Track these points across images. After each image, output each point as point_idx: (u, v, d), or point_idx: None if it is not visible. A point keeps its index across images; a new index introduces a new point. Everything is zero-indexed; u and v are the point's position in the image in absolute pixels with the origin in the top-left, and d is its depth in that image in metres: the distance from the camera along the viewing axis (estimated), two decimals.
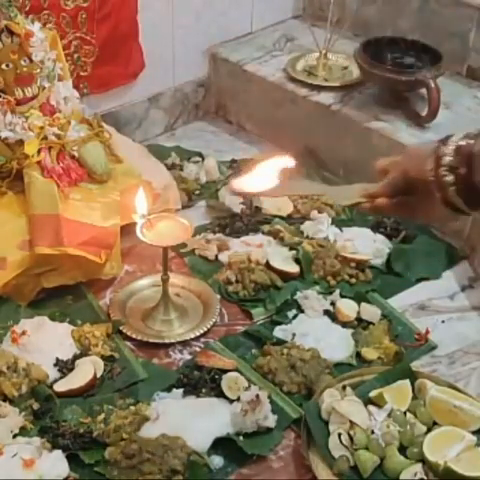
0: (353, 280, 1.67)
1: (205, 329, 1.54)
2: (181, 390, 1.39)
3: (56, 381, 1.41)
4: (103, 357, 1.45)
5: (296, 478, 1.30)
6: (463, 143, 0.85)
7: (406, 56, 2.01)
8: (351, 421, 1.28)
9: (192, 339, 1.53)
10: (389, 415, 1.29)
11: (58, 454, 1.26)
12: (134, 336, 1.52)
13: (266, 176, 0.98)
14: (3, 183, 1.64)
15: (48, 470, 1.23)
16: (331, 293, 1.62)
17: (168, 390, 1.40)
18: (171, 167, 1.97)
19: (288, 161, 1.00)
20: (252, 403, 1.32)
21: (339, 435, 1.27)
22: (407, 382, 1.35)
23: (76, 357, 1.45)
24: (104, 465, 1.27)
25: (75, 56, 1.90)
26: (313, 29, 2.17)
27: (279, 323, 1.56)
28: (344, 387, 1.36)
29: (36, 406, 1.35)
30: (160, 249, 1.50)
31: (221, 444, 1.31)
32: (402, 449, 1.26)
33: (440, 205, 0.88)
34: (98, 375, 1.42)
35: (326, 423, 1.30)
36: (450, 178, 0.85)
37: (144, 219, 1.46)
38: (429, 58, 1.96)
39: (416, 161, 0.90)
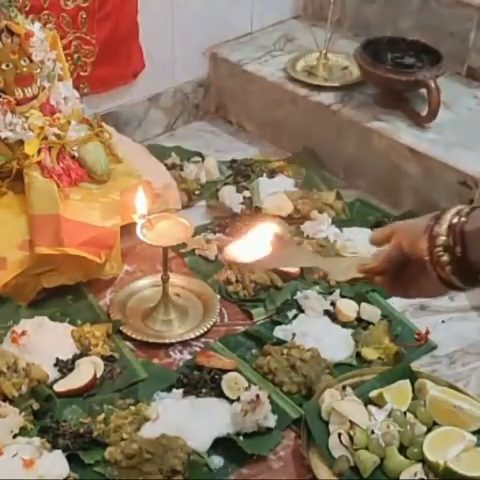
0: None
1: (205, 329, 1.54)
2: (181, 390, 1.39)
3: (56, 381, 1.41)
4: (103, 357, 1.45)
5: (296, 478, 1.30)
6: (455, 221, 0.84)
7: (406, 56, 2.01)
8: (351, 421, 1.28)
9: (192, 339, 1.53)
10: (389, 415, 1.29)
11: (58, 454, 1.26)
12: (134, 336, 1.52)
13: (259, 244, 0.96)
14: (3, 183, 1.64)
15: (48, 470, 1.23)
16: (331, 293, 1.62)
17: (168, 390, 1.41)
18: (171, 167, 1.97)
19: (276, 228, 0.99)
20: (252, 403, 1.32)
21: (339, 435, 1.27)
22: (407, 382, 1.35)
23: (76, 357, 1.45)
24: (104, 465, 1.27)
25: (75, 56, 1.90)
26: (313, 29, 2.17)
27: (279, 323, 1.56)
28: (344, 387, 1.36)
29: (36, 406, 1.35)
30: (160, 249, 1.50)
31: (221, 444, 1.32)
32: (402, 449, 1.26)
33: (437, 282, 0.87)
34: (98, 375, 1.42)
35: (326, 423, 1.30)
36: (445, 258, 0.84)
37: (144, 219, 1.46)
38: (429, 58, 1.96)
39: (410, 238, 0.90)
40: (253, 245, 0.96)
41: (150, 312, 1.57)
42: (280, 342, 1.50)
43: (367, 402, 1.33)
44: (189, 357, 1.50)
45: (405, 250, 0.90)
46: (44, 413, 1.35)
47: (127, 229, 1.61)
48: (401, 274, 0.94)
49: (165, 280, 1.53)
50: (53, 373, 1.42)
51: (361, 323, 1.56)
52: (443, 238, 0.84)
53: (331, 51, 2.13)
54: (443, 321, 1.61)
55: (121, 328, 1.53)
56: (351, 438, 1.26)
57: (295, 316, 1.58)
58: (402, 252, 0.91)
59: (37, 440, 1.28)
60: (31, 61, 1.62)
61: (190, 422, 1.32)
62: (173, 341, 1.52)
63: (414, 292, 0.95)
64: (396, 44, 2.02)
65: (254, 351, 1.50)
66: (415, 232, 0.89)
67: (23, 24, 1.61)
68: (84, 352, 1.46)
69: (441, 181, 1.79)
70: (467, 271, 0.84)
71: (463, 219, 0.84)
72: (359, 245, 1.73)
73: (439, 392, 1.33)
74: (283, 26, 2.38)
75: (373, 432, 1.26)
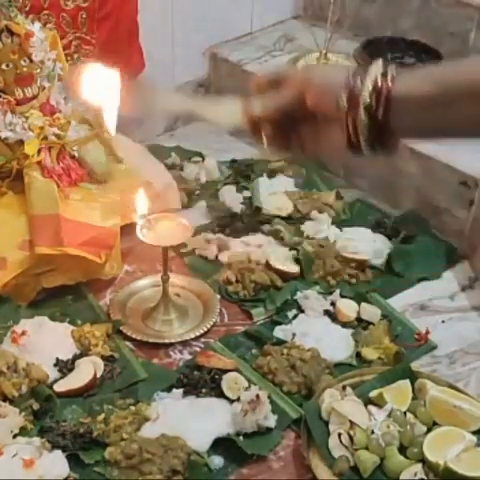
0: (353, 280, 1.67)
1: (205, 329, 1.54)
2: (181, 390, 1.39)
3: (56, 381, 1.41)
4: (103, 357, 1.45)
5: (296, 478, 1.29)
6: (380, 82, 0.78)
7: (406, 56, 2.01)
8: (351, 421, 1.28)
9: (192, 339, 1.53)
10: (389, 415, 1.29)
11: (58, 454, 1.26)
12: (134, 336, 1.52)
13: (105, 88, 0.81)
14: (3, 183, 1.64)
15: (48, 470, 1.23)
16: (331, 293, 1.62)
17: (168, 390, 1.40)
18: (171, 167, 1.97)
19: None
20: (252, 403, 1.31)
21: (339, 435, 1.27)
22: (407, 382, 1.35)
23: (76, 357, 1.44)
24: (104, 465, 1.27)
25: (75, 56, 1.90)
26: (313, 29, 2.17)
27: (279, 323, 1.56)
28: (344, 387, 1.36)
29: (36, 406, 1.35)
30: (160, 249, 1.50)
31: (221, 444, 1.31)
32: (402, 449, 1.26)
33: (338, 142, 0.80)
34: (98, 375, 1.42)
35: (326, 423, 1.30)
36: (365, 121, 0.77)
37: (144, 219, 1.46)
38: (429, 58, 1.96)
39: (319, 91, 0.80)
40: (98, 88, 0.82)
41: (150, 312, 1.57)
42: (280, 342, 1.50)
43: (367, 402, 1.33)
44: (189, 357, 1.50)
45: (309, 104, 0.81)
46: (44, 413, 1.35)
47: (127, 229, 1.61)
48: (289, 128, 0.84)
49: (165, 280, 1.53)
50: (53, 373, 1.42)
51: (361, 323, 1.56)
52: (366, 100, 0.78)
53: (331, 51, 2.13)
54: (443, 321, 1.61)
55: (121, 328, 1.53)
56: (351, 438, 1.26)
57: (295, 316, 1.57)
58: (301, 104, 0.82)
59: (37, 440, 1.28)
60: (31, 61, 1.62)
61: (190, 422, 1.32)
62: (173, 341, 1.52)
63: (297, 150, 0.86)
64: (396, 44, 2.02)
65: (254, 351, 1.50)
66: (327, 86, 0.80)
67: (23, 24, 1.61)
68: (84, 352, 1.46)
69: (441, 181, 1.79)
70: (381, 137, 0.79)
71: (390, 82, 0.78)
72: (359, 245, 1.73)
73: (439, 392, 1.33)
74: (283, 26, 2.38)
75: (373, 432, 1.26)
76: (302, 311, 1.58)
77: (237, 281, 1.64)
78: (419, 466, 1.23)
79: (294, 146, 0.86)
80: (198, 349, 1.51)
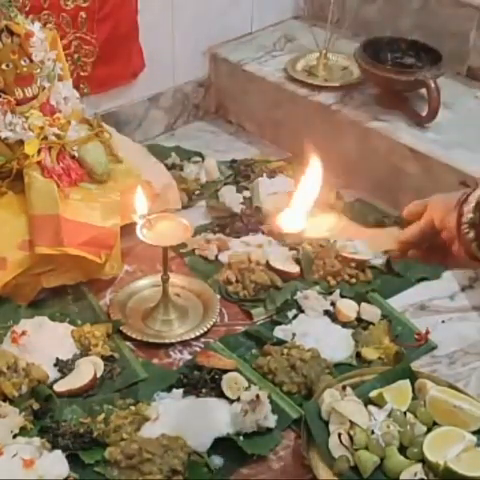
0: (353, 280, 1.67)
1: (205, 329, 1.54)
2: (181, 390, 1.39)
3: (56, 381, 1.41)
4: (103, 357, 1.45)
5: (296, 478, 1.30)
6: None
7: (406, 56, 2.01)
8: (351, 421, 1.27)
9: (192, 339, 1.53)
10: (389, 415, 1.29)
11: (58, 454, 1.26)
12: (134, 336, 1.52)
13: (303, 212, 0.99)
14: (3, 183, 1.64)
15: (48, 470, 1.23)
16: (331, 293, 1.62)
17: (168, 390, 1.41)
18: (171, 167, 1.97)
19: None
20: (252, 403, 1.32)
21: (339, 435, 1.26)
22: (407, 382, 1.35)
23: (76, 357, 1.45)
24: (104, 465, 1.27)
25: (75, 56, 1.90)
26: (313, 29, 2.17)
27: (279, 323, 1.56)
28: (344, 387, 1.36)
29: (36, 406, 1.35)
30: (160, 249, 1.50)
31: (221, 444, 1.32)
32: (402, 449, 1.26)
33: (462, 253, 0.92)
34: (98, 375, 1.42)
35: (326, 423, 1.30)
36: (471, 235, 0.89)
37: (144, 219, 1.46)
38: (429, 58, 1.96)
39: (441, 214, 0.93)
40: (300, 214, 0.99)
41: (150, 312, 1.57)
42: (280, 342, 1.50)
43: (367, 402, 1.33)
44: (189, 357, 1.50)
45: (437, 226, 0.94)
46: (44, 413, 1.35)
47: (127, 229, 1.61)
48: (436, 247, 0.97)
49: (165, 280, 1.53)
50: (53, 373, 1.42)
51: (361, 323, 1.56)
52: (470, 215, 0.88)
53: (331, 51, 2.13)
54: (443, 321, 1.61)
55: (121, 328, 1.53)
56: (351, 438, 1.26)
57: (295, 316, 1.58)
58: (434, 228, 0.94)
59: (37, 440, 1.28)
60: (31, 61, 1.62)
61: (190, 422, 1.33)
62: (173, 341, 1.52)
63: (451, 262, 0.98)
64: (396, 44, 2.02)
65: (254, 351, 1.50)
66: (446, 208, 0.92)
67: (23, 24, 1.61)
68: (84, 352, 1.46)
69: (441, 181, 1.79)
70: None
71: None
72: (359, 245, 1.73)
73: (439, 392, 1.33)
74: (283, 26, 2.38)
75: (373, 432, 1.26)
76: (302, 311, 1.58)
77: (237, 281, 1.65)
78: (419, 466, 1.23)
79: (436, 260, 0.99)
80: (198, 349, 1.51)
